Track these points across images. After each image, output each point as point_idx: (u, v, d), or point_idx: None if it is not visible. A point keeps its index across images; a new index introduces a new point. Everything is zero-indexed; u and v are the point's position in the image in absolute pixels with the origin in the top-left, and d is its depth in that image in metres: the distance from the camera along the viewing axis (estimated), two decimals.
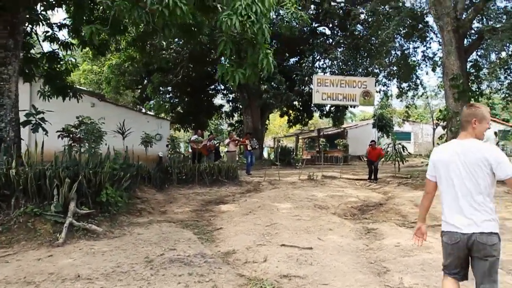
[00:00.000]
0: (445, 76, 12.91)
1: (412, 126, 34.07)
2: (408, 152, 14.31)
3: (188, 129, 26.07)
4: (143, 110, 23.66)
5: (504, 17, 13.25)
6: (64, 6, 9.67)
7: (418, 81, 19.02)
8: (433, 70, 17.30)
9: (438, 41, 16.02)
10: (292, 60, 23.82)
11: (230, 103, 26.99)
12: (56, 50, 9.85)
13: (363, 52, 20.14)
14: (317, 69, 22.13)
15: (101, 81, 20.32)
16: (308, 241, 5.59)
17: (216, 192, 10.03)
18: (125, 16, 4.60)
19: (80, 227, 5.65)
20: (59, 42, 9.64)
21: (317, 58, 22.64)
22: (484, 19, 14.16)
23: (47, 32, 9.62)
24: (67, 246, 5.23)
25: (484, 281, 2.49)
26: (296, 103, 24.65)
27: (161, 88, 22.45)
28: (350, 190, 10.32)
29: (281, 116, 27.74)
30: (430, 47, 55.57)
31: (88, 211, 5.94)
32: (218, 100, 28.63)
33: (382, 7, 16.74)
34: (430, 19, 16.48)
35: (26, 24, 9.24)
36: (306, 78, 19.28)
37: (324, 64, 23.01)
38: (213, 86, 24.80)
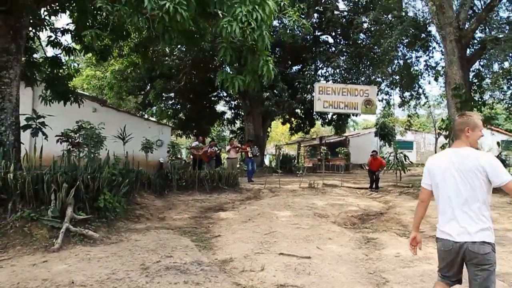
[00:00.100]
0: (448, 85, 12.88)
1: (414, 135, 33.98)
2: (410, 161, 14.23)
3: (190, 135, 26.08)
4: (146, 116, 23.68)
5: (507, 27, 13.26)
6: (67, 11, 9.73)
7: (421, 90, 19.03)
8: (436, 79, 17.30)
9: (441, 50, 16.06)
10: (295, 68, 23.86)
11: (232, 110, 27.03)
12: (59, 55, 9.89)
13: (365, 60, 20.18)
14: (320, 77, 22.17)
15: (104, 86, 20.39)
16: (306, 250, 5.52)
17: (216, 199, 9.97)
18: (125, 21, 4.60)
19: (77, 233, 5.60)
20: (62, 47, 9.68)
21: (320, 66, 22.69)
22: (487, 29, 14.16)
23: (50, 37, 9.66)
24: (62, 252, 5.18)
25: None
26: (298, 111, 24.64)
27: (163, 94, 22.51)
28: (350, 199, 10.25)
29: (283, 123, 27.72)
30: (432, 57, 55.63)
31: (85, 216, 5.89)
32: (220, 107, 28.69)
33: (385, 16, 16.79)
34: (432, 29, 16.52)
35: (30, 29, 9.31)
36: (309, 86, 19.31)
37: (327, 72, 23.09)
38: (215, 93, 24.83)
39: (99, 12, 9.12)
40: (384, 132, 24.95)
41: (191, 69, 20.30)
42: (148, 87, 22.83)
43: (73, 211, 5.78)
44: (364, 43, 20.25)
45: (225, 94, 25.25)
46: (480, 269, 2.47)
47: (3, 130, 7.13)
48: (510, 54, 12.63)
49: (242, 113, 24.67)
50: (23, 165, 5.99)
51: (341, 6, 21.81)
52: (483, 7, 13.86)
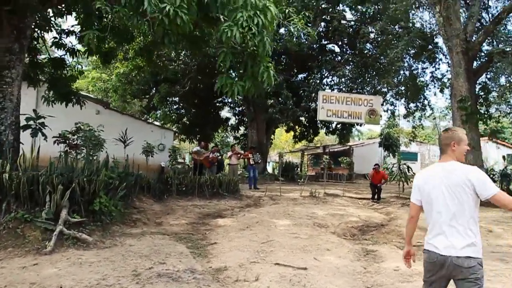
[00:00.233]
0: (453, 97, 12.74)
1: (419, 147, 33.70)
2: (413, 173, 14.05)
3: (194, 140, 26.04)
4: (149, 120, 23.68)
5: None
6: (73, 13, 9.75)
7: (426, 102, 18.86)
8: (441, 91, 17.15)
9: (447, 62, 15.93)
10: (300, 76, 23.79)
11: (237, 116, 26.97)
12: (63, 56, 9.90)
13: (371, 70, 20.10)
14: (325, 86, 22.11)
15: (109, 89, 20.44)
16: (303, 260, 5.39)
17: (215, 205, 9.85)
18: (125, 23, 4.56)
19: (70, 236, 5.52)
20: (66, 49, 9.68)
21: (325, 75, 22.63)
22: (494, 42, 14.03)
23: (55, 38, 9.68)
24: (54, 255, 5.10)
25: None
26: (302, 119, 24.52)
27: (168, 98, 22.51)
28: (351, 209, 10.09)
29: (287, 131, 27.62)
30: (439, 68, 55.42)
31: (79, 219, 5.82)
32: (225, 113, 28.66)
33: (392, 26, 16.72)
34: (439, 40, 16.40)
35: (35, 29, 9.33)
36: (313, 94, 19.22)
37: (332, 81, 23.00)
38: (220, 99, 24.78)
39: (104, 15, 9.14)
40: (389, 143, 24.71)
41: (196, 74, 20.29)
42: (153, 91, 22.84)
43: (67, 214, 5.70)
44: (370, 53, 20.18)
45: (229, 100, 25.24)
46: (466, 283, 2.45)
47: (2, 130, 7.10)
48: None
49: (246, 120, 24.61)
50: (19, 166, 5.92)
51: (348, 15, 21.81)
52: (490, 19, 13.76)
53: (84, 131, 7.18)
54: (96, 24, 9.37)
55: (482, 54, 14.28)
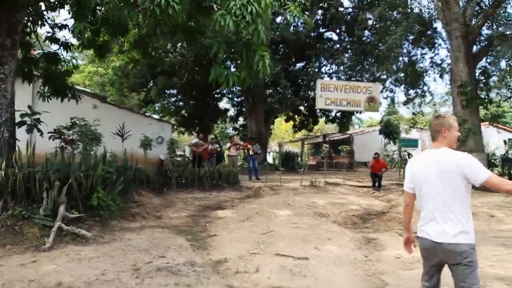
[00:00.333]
0: (453, 83, 12.62)
1: (419, 133, 33.55)
2: None
3: (193, 132, 25.97)
4: (148, 113, 23.55)
5: None
6: (66, 6, 9.59)
7: (426, 88, 18.71)
8: (441, 76, 16.99)
9: (447, 47, 15.74)
10: (299, 65, 23.64)
11: (235, 107, 26.84)
12: (57, 51, 9.77)
13: (370, 58, 19.91)
14: (323, 75, 21.96)
15: (106, 83, 20.28)
16: (304, 250, 5.34)
17: (215, 197, 9.82)
18: (116, 14, 4.45)
19: (69, 232, 5.47)
20: (60, 43, 9.55)
21: (324, 63, 22.45)
22: (494, 26, 13.83)
23: (48, 32, 9.55)
24: (53, 251, 5.06)
25: None
26: (301, 108, 24.43)
27: (165, 91, 22.36)
28: (352, 197, 10.06)
29: (287, 121, 27.50)
30: (438, 54, 55.17)
31: (78, 215, 5.77)
32: (223, 104, 28.51)
33: (390, 12, 16.50)
34: (438, 25, 16.22)
35: (29, 24, 9.19)
36: (312, 83, 19.07)
37: (331, 70, 22.85)
38: (218, 90, 24.62)
39: (97, 8, 8.99)
40: (389, 130, 24.58)
41: (194, 66, 20.13)
42: (151, 84, 22.69)
43: (65, 210, 5.65)
44: (368, 40, 19.98)
45: (228, 91, 25.07)
46: (460, 267, 2.49)
47: None
48: None
49: (245, 110, 24.50)
50: (14, 163, 5.86)
51: (346, 2, 21.67)
52: (490, 3, 13.54)
53: (80, 126, 7.09)
54: (89, 17, 9.25)
55: (482, 38, 14.09)
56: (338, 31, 22.33)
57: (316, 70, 20.82)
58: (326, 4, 20.05)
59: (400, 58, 17.96)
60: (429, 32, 15.81)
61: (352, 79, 18.95)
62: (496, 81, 14.63)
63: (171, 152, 11.06)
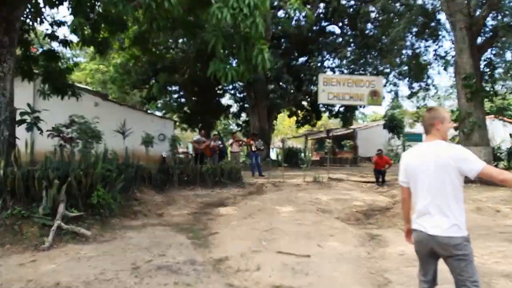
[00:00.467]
0: (458, 75, 12.42)
1: None
2: None
3: (196, 129, 25.90)
4: (150, 110, 23.49)
5: None
6: (65, 3, 9.51)
7: (430, 81, 18.47)
8: (445, 69, 16.73)
9: (451, 39, 15.48)
10: (301, 59, 23.43)
11: (238, 103, 26.69)
12: (56, 48, 9.72)
13: (373, 51, 19.70)
14: (326, 69, 21.73)
15: (107, 80, 20.21)
16: (306, 247, 5.26)
17: (218, 194, 9.76)
18: (112, 9, 4.36)
19: (69, 230, 5.43)
20: (59, 40, 9.48)
21: (326, 57, 22.24)
22: (499, 16, 13.58)
23: (47, 29, 9.48)
24: (53, 251, 5.02)
25: (461, 283, 2.52)
26: (304, 103, 24.25)
27: (167, 87, 22.26)
28: (356, 193, 9.95)
29: (290, 116, 27.32)
30: (442, 46, 54.45)
31: (77, 213, 5.72)
32: (226, 100, 28.39)
33: (393, 4, 16.29)
34: (442, 17, 16.00)
35: (27, 21, 9.12)
36: (314, 78, 18.86)
37: (333, 64, 22.63)
38: (220, 86, 24.51)
39: (95, 3, 8.89)
40: (393, 124, 24.45)
41: (195, 62, 19.99)
42: (153, 81, 22.60)
43: (65, 208, 5.60)
44: (371, 33, 19.76)
45: (230, 87, 24.95)
46: (455, 261, 2.50)
47: None
48: None
49: (248, 106, 24.37)
50: (13, 161, 5.80)
51: None
52: None
53: (79, 123, 7.03)
54: (89, 13, 9.16)
55: (487, 29, 13.82)
56: (340, 24, 22.09)
57: (319, 64, 20.62)
58: None
59: (404, 51, 17.74)
60: (432, 24, 15.57)
61: (355, 73, 18.76)
62: (501, 73, 14.38)
63: (173, 149, 10.97)
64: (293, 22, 19.35)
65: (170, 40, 17.79)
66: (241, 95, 25.52)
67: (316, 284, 4.06)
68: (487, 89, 13.82)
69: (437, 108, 2.91)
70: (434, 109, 2.88)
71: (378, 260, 4.91)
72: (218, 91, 25.23)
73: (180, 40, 18.35)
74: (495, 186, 8.48)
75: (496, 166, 12.29)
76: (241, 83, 21.90)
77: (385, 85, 18.45)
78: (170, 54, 19.06)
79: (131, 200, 7.99)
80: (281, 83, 19.81)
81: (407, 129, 26.29)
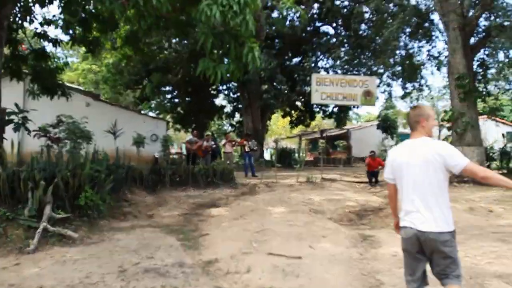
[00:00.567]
0: (451, 75, 12.44)
1: None
2: None
3: (189, 129, 25.75)
4: (143, 111, 23.29)
5: None
6: (55, 2, 9.36)
7: (423, 82, 18.51)
8: (438, 69, 16.79)
9: (444, 40, 15.53)
10: (295, 60, 23.40)
11: (231, 104, 26.59)
12: (46, 47, 9.55)
13: (367, 51, 19.70)
14: (320, 69, 21.72)
15: (99, 80, 20.00)
16: (298, 249, 5.17)
17: (210, 195, 9.65)
18: (98, 5, 4.25)
19: (55, 233, 5.30)
20: (49, 39, 9.31)
21: (320, 57, 22.23)
22: (492, 16, 13.62)
23: (36, 28, 9.31)
24: (38, 254, 4.89)
25: (444, 276, 2.59)
26: (298, 103, 24.22)
27: (160, 88, 22.10)
28: (349, 194, 9.89)
29: (283, 116, 27.26)
30: (435, 46, 54.65)
31: (64, 215, 5.59)
32: (219, 101, 28.26)
33: (386, 5, 16.29)
34: (435, 17, 16.02)
35: (15, 19, 8.95)
36: (308, 78, 18.84)
37: (327, 64, 22.63)
38: (214, 86, 24.40)
39: (85, 1, 8.76)
40: (386, 125, 24.48)
41: (189, 62, 19.87)
42: (146, 81, 22.44)
43: (51, 210, 5.47)
44: (365, 33, 19.76)
45: (224, 87, 24.84)
46: (442, 260, 2.56)
47: None
48: None
49: (241, 106, 24.27)
50: None
51: None
52: None
53: (67, 123, 6.89)
54: (79, 11, 9.03)
55: (480, 29, 13.88)
56: (334, 25, 22.08)
57: (313, 64, 20.60)
58: None
59: (397, 52, 17.77)
60: (426, 24, 15.61)
61: (349, 73, 18.75)
62: (494, 73, 14.43)
63: (165, 150, 10.86)
64: (287, 23, 19.30)
65: (164, 40, 17.64)
66: (235, 95, 25.44)
67: (307, 286, 3.98)
68: (480, 89, 13.86)
69: (422, 106, 2.94)
70: (419, 107, 2.93)
71: (370, 261, 4.83)
72: (211, 92, 25.13)
73: (174, 40, 18.20)
74: (488, 186, 8.46)
75: (488, 166, 12.31)
76: (234, 84, 21.81)
77: (378, 86, 18.47)
78: (163, 54, 18.90)
79: (121, 201, 7.87)
80: (274, 84, 19.74)
81: (400, 130, 26.36)
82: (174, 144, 26.11)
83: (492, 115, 22.80)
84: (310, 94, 13.70)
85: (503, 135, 15.86)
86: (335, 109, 23.37)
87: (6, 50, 8.77)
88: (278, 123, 44.49)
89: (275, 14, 19.02)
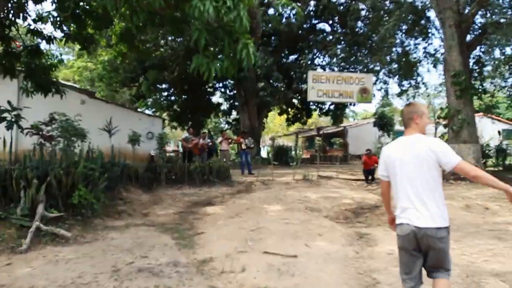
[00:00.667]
0: (447, 72, 12.43)
1: None
2: None
3: (186, 127, 25.66)
4: (139, 108, 23.17)
5: (509, 11, 12.70)
6: None
7: (420, 79, 18.49)
8: (435, 66, 16.77)
9: (440, 37, 15.50)
10: (291, 57, 23.37)
11: (228, 101, 26.51)
12: (40, 44, 9.42)
13: (363, 49, 19.67)
14: (316, 66, 21.71)
15: (95, 78, 19.86)
16: (293, 247, 5.14)
17: (205, 193, 9.60)
18: (91, 2, 4.17)
19: (48, 232, 5.24)
20: (43, 36, 9.18)
21: (316, 55, 22.19)
22: (488, 14, 13.61)
23: (29, 25, 9.17)
24: (30, 253, 4.83)
25: (435, 270, 2.64)
26: (295, 101, 24.18)
27: (157, 85, 22.00)
28: (345, 191, 9.87)
29: (280, 114, 27.22)
30: (431, 43, 54.67)
31: (57, 214, 5.53)
32: (216, 98, 28.17)
33: (382, 2, 16.25)
34: (431, 14, 15.97)
35: (8, 16, 8.82)
36: (305, 76, 18.81)
37: (324, 61, 22.61)
38: (210, 84, 24.29)
39: None
40: (383, 122, 24.51)
41: (185, 60, 19.77)
42: (142, 79, 22.30)
43: (44, 209, 5.41)
44: (361, 31, 19.73)
45: (220, 85, 24.76)
46: (436, 253, 2.58)
47: None
48: None
49: (238, 104, 24.20)
50: None
51: None
52: None
53: (61, 121, 6.80)
54: (73, 8, 8.89)
55: (476, 26, 13.88)
56: (330, 22, 22.05)
57: (309, 62, 20.58)
58: None
59: (393, 49, 17.70)
60: (422, 22, 15.57)
61: (345, 71, 18.73)
62: (490, 71, 14.44)
63: (160, 147, 10.79)
64: (283, 20, 19.26)
65: (159, 37, 17.53)
66: (231, 93, 25.36)
67: (302, 285, 3.94)
68: (476, 86, 13.88)
69: (416, 103, 2.98)
70: (413, 104, 2.95)
71: (366, 260, 4.81)
72: (208, 89, 25.05)
73: (169, 38, 18.08)
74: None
75: (484, 163, 12.33)
76: (231, 81, 21.73)
77: (375, 83, 18.44)
78: (159, 52, 18.79)
79: (116, 199, 7.80)
80: (271, 81, 19.69)
81: (397, 127, 26.37)
82: (171, 142, 25.97)
83: (488, 112, 22.86)
84: (307, 91, 13.67)
85: (499, 132, 15.93)
86: (332, 107, 23.36)
87: None
88: (275, 121, 44.45)
89: (271, 11, 19.00)
